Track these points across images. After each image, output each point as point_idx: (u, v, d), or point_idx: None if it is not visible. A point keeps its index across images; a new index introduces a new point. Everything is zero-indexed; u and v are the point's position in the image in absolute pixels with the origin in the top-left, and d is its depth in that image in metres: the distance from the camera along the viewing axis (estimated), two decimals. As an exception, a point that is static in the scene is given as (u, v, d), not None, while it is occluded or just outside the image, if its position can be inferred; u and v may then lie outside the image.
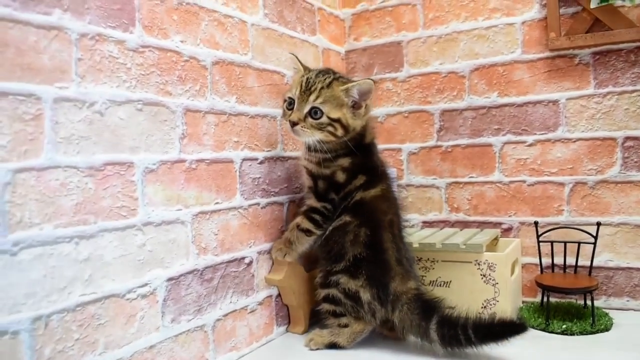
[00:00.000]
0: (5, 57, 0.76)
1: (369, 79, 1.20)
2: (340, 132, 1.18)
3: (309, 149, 1.21)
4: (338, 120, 1.18)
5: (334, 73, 1.24)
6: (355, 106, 1.20)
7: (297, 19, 1.47)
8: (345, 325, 1.22)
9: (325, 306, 1.24)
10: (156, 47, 1.01)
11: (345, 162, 1.22)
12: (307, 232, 1.24)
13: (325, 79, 1.19)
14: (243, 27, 1.25)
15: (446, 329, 1.11)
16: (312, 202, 1.26)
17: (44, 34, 0.81)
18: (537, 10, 1.47)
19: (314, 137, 1.17)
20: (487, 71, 1.54)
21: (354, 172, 1.22)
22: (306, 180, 1.28)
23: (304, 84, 1.18)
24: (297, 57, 1.26)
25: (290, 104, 1.20)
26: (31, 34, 0.79)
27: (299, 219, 1.26)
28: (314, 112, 1.17)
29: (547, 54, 1.47)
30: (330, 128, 1.18)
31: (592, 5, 1.35)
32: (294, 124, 1.17)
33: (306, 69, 1.25)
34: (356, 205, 1.22)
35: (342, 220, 1.22)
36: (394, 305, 1.17)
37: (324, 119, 1.17)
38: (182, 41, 1.07)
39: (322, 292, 1.24)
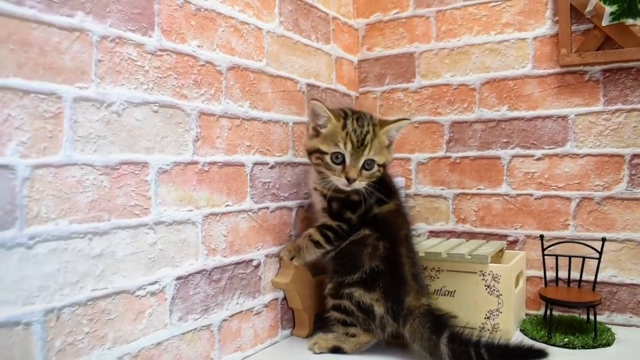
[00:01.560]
0: (29, 56, 0.79)
1: (405, 118, 1.28)
2: (380, 172, 1.24)
3: (329, 183, 1.23)
4: (383, 165, 1.24)
5: (370, 118, 1.25)
6: (390, 144, 1.27)
7: (312, 28, 1.50)
8: (353, 335, 1.23)
9: (335, 314, 1.25)
10: (174, 51, 1.03)
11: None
12: (317, 244, 1.26)
13: (369, 128, 1.21)
14: (259, 34, 1.27)
15: (457, 345, 1.11)
16: (326, 220, 1.27)
17: (66, 35, 0.84)
18: (549, 27, 1.49)
19: (362, 185, 1.20)
20: (498, 85, 1.56)
21: (369, 192, 1.24)
22: (319, 203, 1.30)
23: (353, 137, 1.18)
24: (324, 104, 1.21)
25: (337, 157, 1.19)
26: (54, 35, 0.82)
27: (312, 231, 1.27)
28: (368, 164, 1.20)
29: (558, 69, 1.48)
30: (377, 173, 1.23)
31: (604, 23, 1.37)
32: (352, 181, 1.18)
33: (337, 115, 1.22)
34: (374, 218, 1.24)
35: (361, 234, 1.24)
36: (406, 319, 1.18)
37: (375, 168, 1.21)
38: (199, 46, 1.09)
39: (333, 302, 1.25)
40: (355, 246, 1.24)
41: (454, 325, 1.16)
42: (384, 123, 1.24)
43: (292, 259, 1.28)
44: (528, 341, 1.16)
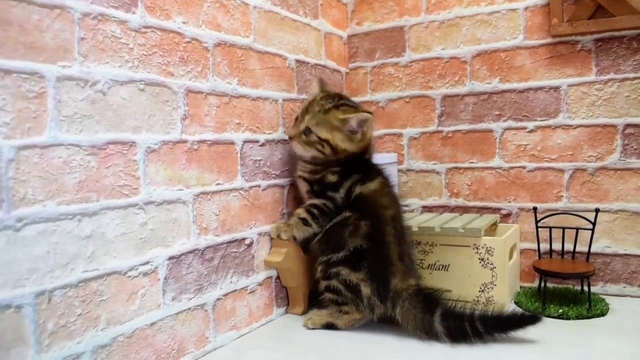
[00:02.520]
0: (9, 35, 0.77)
1: (368, 112, 1.26)
2: (327, 150, 1.27)
3: (303, 160, 1.32)
4: (326, 141, 1.26)
5: (340, 99, 1.31)
6: (352, 132, 1.27)
7: (300, 3, 1.47)
8: (346, 312, 1.23)
9: (329, 295, 1.25)
10: (158, 28, 1.01)
11: (335, 169, 1.28)
12: (304, 221, 1.27)
13: (325, 105, 1.28)
14: (245, 9, 1.25)
15: (451, 321, 1.11)
16: (312, 200, 1.30)
17: (47, 12, 0.82)
18: (540, -4, 1.47)
19: (305, 152, 1.29)
20: (489, 57, 1.54)
21: (347, 173, 1.27)
22: (303, 187, 1.33)
23: (307, 104, 1.30)
24: (320, 80, 1.37)
25: (296, 119, 1.33)
26: (34, 12, 0.80)
27: (300, 210, 1.30)
28: (307, 131, 1.27)
29: (550, 40, 1.47)
30: (318, 146, 1.27)
31: (596, -8, 1.35)
32: (290, 138, 1.30)
33: (322, 91, 1.34)
34: (356, 199, 1.25)
35: (342, 216, 1.24)
36: (395, 302, 1.17)
37: (313, 137, 1.27)
38: (184, 22, 1.07)
39: (324, 284, 1.25)
40: (338, 227, 1.24)
41: (445, 302, 1.17)
42: (347, 111, 1.27)
43: (279, 235, 1.30)
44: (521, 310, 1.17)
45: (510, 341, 1.12)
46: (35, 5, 0.80)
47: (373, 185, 1.27)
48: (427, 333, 1.14)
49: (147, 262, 0.98)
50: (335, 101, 1.29)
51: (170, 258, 1.03)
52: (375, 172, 1.31)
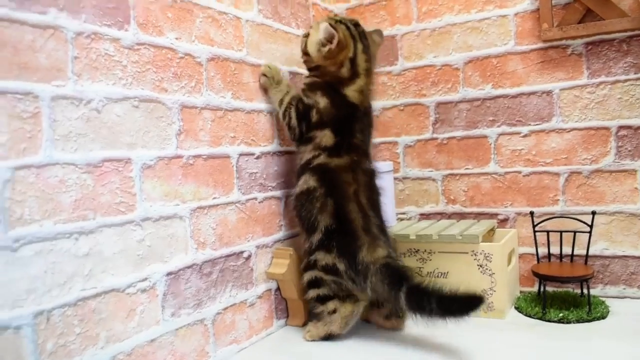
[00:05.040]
0: (3, 56, 0.77)
1: (330, 25, 1.25)
2: (305, 56, 1.34)
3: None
4: (304, 51, 1.33)
5: (353, 23, 1.33)
6: (322, 44, 1.28)
7: (292, 14, 1.48)
8: (334, 311, 1.22)
9: (310, 293, 1.25)
10: (151, 45, 1.02)
11: (322, 102, 1.27)
12: (280, 100, 1.32)
13: (334, 17, 1.35)
14: (237, 23, 1.26)
15: (414, 298, 1.11)
16: (298, 104, 1.31)
17: (40, 33, 0.82)
18: (530, 2, 1.48)
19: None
20: (481, 63, 1.55)
21: (326, 121, 1.27)
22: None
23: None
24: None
25: None
26: (27, 33, 0.80)
27: (293, 92, 1.33)
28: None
29: (540, 45, 1.48)
30: (304, 56, 1.34)
31: (584, -4, 1.36)
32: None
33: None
34: (320, 169, 1.24)
35: (307, 184, 1.24)
36: (365, 275, 1.17)
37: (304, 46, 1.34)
38: (177, 38, 1.08)
39: (306, 276, 1.25)
40: (306, 198, 1.24)
41: (411, 277, 1.15)
42: (332, 24, 1.30)
43: (267, 88, 1.34)
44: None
45: (512, 346, 1.12)
46: (28, 26, 0.81)
47: (339, 160, 1.25)
48: (396, 307, 1.20)
49: (145, 279, 0.98)
50: (335, 17, 1.35)
51: (169, 274, 1.03)
52: (351, 148, 1.27)
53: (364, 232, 1.21)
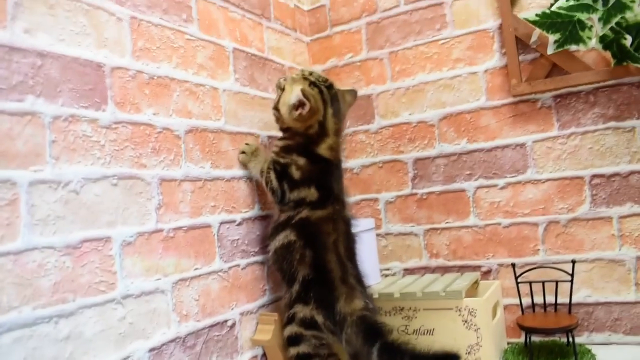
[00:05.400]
0: (-20, 146, 0.78)
1: (303, 91, 1.27)
2: (276, 113, 1.33)
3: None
4: (276, 107, 1.33)
5: (310, 75, 1.34)
6: (295, 107, 1.28)
7: (269, 80, 1.52)
8: None
9: (291, 350, 1.23)
10: (129, 122, 1.04)
11: (301, 161, 1.28)
12: (260, 170, 1.32)
13: (294, 77, 1.34)
14: (215, 93, 1.29)
15: (387, 356, 1.11)
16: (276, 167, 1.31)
17: (17, 120, 0.84)
18: (498, 59, 1.53)
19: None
20: (455, 119, 1.59)
21: (308, 178, 1.28)
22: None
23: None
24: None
25: None
26: (5, 121, 0.82)
27: (265, 165, 1.32)
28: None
29: (511, 99, 1.52)
30: (274, 110, 1.34)
31: (549, 51, 1.41)
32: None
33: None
34: (302, 223, 1.25)
35: (287, 238, 1.25)
36: (342, 326, 1.17)
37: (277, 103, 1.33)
38: (154, 114, 1.10)
39: (285, 332, 1.24)
40: (285, 251, 1.25)
41: (385, 334, 1.15)
42: (297, 82, 1.32)
43: (246, 163, 1.36)
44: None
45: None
46: (6, 114, 0.82)
47: (321, 212, 1.27)
48: None
49: (128, 357, 0.97)
50: (305, 75, 1.33)
51: (151, 350, 1.02)
52: (331, 197, 1.29)
53: (342, 283, 1.22)
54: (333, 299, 1.19)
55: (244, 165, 1.35)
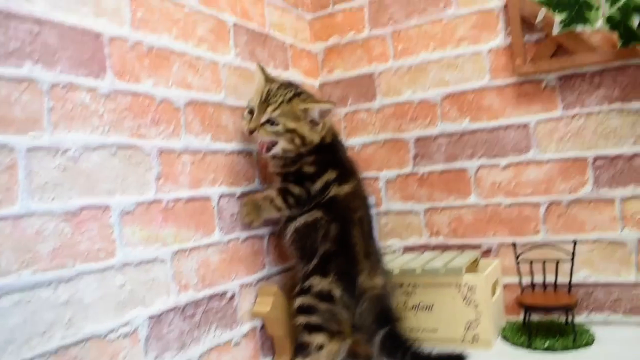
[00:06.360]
0: (-21, 110, 0.79)
1: (329, 101, 1.26)
2: (298, 141, 1.24)
3: (273, 157, 1.28)
4: (294, 131, 1.23)
5: (296, 88, 1.28)
6: (313, 122, 1.26)
7: (270, 56, 1.51)
8: (321, 347, 1.22)
9: (300, 318, 1.24)
10: (128, 92, 1.04)
11: (309, 158, 1.27)
12: (278, 209, 1.28)
13: (286, 94, 1.25)
14: (215, 67, 1.29)
15: (389, 344, 1.15)
16: (288, 185, 1.28)
17: (15, 86, 0.84)
18: (502, 38, 1.52)
19: (268, 138, 1.23)
20: (458, 98, 1.58)
21: (323, 166, 1.27)
22: (280, 184, 1.31)
23: (264, 94, 1.24)
24: (261, 67, 1.32)
25: (250, 111, 1.25)
26: (2, 87, 0.82)
27: (274, 194, 1.28)
28: (271, 123, 1.22)
29: (515, 79, 1.51)
30: (288, 135, 1.23)
31: (555, 32, 1.39)
32: (251, 132, 1.23)
33: (269, 79, 1.30)
34: (330, 201, 1.26)
35: (314, 216, 1.26)
36: (359, 299, 1.20)
37: (278, 128, 1.22)
38: (154, 85, 1.10)
39: (297, 301, 1.25)
40: (311, 230, 1.26)
41: (396, 322, 1.19)
42: (307, 100, 1.27)
43: (251, 222, 1.31)
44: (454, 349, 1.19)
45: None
46: (4, 80, 0.82)
47: (347, 187, 1.28)
48: (368, 339, 1.19)
49: (127, 324, 0.98)
50: (294, 90, 1.27)
51: (151, 317, 1.04)
52: (349, 171, 1.31)
53: (365, 257, 1.24)
54: (355, 272, 1.22)
55: (258, 218, 1.31)
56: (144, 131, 1.06)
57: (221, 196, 1.25)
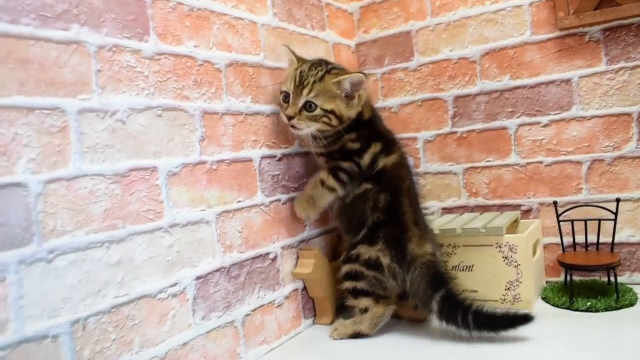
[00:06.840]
0: (30, 73, 0.79)
1: (360, 72, 1.23)
2: (335, 122, 1.22)
3: (313, 138, 1.24)
4: (332, 112, 1.21)
5: (327, 65, 1.26)
6: (349, 96, 1.23)
7: (306, 16, 1.49)
8: (365, 310, 1.23)
9: (346, 284, 1.26)
10: (171, 54, 1.04)
11: (351, 135, 1.26)
12: (332, 189, 1.26)
13: (317, 72, 1.22)
14: (254, 28, 1.27)
15: (448, 305, 1.14)
16: (337, 162, 1.27)
17: (64, 49, 0.84)
18: (545, -9, 1.47)
19: (310, 128, 1.21)
20: (498, 55, 1.55)
21: (366, 140, 1.27)
22: (322, 161, 1.31)
23: (297, 77, 1.21)
24: (289, 49, 1.29)
25: (285, 97, 1.23)
26: (52, 49, 0.83)
27: (324, 175, 1.27)
28: (309, 106, 1.20)
29: (557, 33, 1.47)
30: (325, 119, 1.21)
31: (600, -18, 1.35)
32: (290, 118, 1.20)
33: (300, 60, 1.28)
34: (378, 173, 1.26)
35: (363, 188, 1.26)
36: (409, 266, 1.20)
37: (318, 111, 1.20)
38: (195, 46, 1.10)
39: (344, 268, 1.26)
40: (360, 201, 1.25)
41: (451, 285, 1.18)
42: (338, 74, 1.24)
43: (309, 215, 1.32)
44: (517, 310, 1.16)
45: (541, 336, 1.12)
46: (53, 43, 0.83)
47: (393, 157, 1.28)
48: (424, 306, 1.18)
49: (176, 284, 1.00)
50: (325, 67, 1.24)
51: (198, 278, 1.05)
52: (392, 141, 1.32)
53: (414, 225, 1.24)
54: (405, 240, 1.22)
55: (315, 208, 1.30)
56: (187, 93, 1.06)
57: (262, 158, 1.25)
